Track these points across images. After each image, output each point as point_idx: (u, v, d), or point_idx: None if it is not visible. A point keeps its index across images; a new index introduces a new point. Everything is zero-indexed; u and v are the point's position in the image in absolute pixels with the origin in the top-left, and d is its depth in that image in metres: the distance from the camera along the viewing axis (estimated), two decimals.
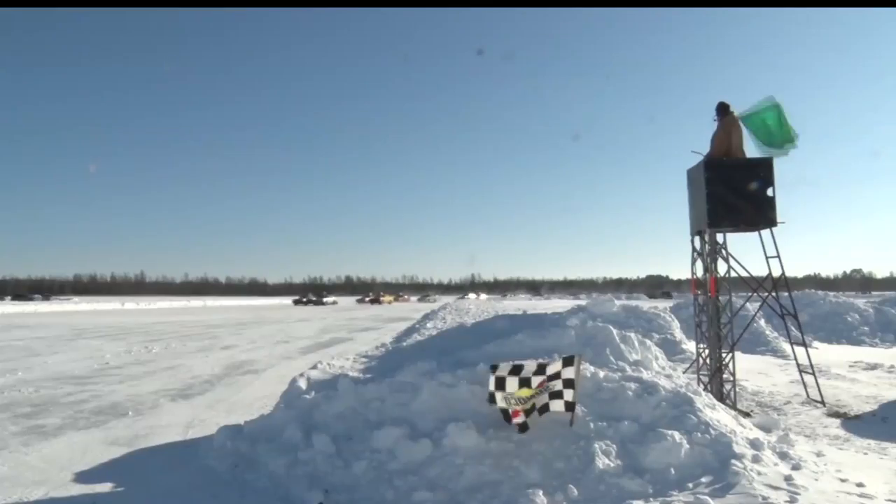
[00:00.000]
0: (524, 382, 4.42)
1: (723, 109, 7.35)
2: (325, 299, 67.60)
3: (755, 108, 7.27)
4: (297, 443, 4.88)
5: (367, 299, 71.80)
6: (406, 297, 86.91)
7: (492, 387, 4.46)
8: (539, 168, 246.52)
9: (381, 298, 71.11)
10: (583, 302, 13.54)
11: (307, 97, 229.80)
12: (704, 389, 6.23)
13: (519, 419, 4.40)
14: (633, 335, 6.30)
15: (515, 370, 4.49)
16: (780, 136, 7.11)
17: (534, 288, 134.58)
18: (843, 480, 3.97)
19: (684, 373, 7.82)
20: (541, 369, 4.46)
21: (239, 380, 10.05)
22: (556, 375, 4.38)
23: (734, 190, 7.03)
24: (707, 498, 3.49)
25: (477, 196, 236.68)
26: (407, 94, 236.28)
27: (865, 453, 5.07)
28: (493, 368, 4.55)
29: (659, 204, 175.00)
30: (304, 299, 67.92)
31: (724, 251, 7.32)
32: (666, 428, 4.25)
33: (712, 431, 4.28)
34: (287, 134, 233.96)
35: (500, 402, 4.43)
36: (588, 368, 5.01)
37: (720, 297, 7.36)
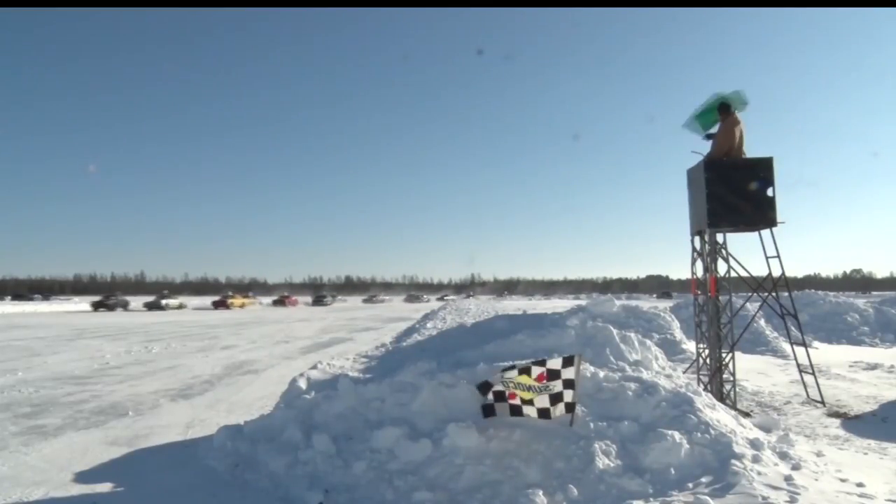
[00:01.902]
0: (524, 371, 4.42)
1: (725, 109, 7.35)
2: (164, 301, 47.41)
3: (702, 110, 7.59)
4: (297, 443, 4.88)
5: (214, 301, 51.84)
6: (293, 298, 64.01)
7: (491, 398, 4.45)
8: (539, 168, 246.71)
9: (230, 301, 50.87)
10: (583, 302, 13.54)
11: (307, 97, 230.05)
12: (704, 389, 6.22)
13: (515, 401, 4.39)
14: (633, 335, 6.29)
15: (511, 367, 4.50)
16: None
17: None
18: (843, 480, 3.97)
19: (684, 373, 7.82)
20: (540, 363, 4.47)
21: (239, 380, 10.05)
22: (557, 374, 4.38)
23: (734, 190, 7.02)
24: (707, 498, 3.49)
25: (477, 196, 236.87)
26: (407, 94, 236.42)
27: (865, 453, 5.07)
28: (484, 387, 4.53)
29: (659, 204, 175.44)
30: (111, 301, 46.32)
31: (724, 251, 7.32)
32: (666, 428, 4.24)
33: (712, 431, 4.28)
34: (287, 134, 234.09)
35: (498, 385, 4.43)
36: (588, 368, 5.00)
37: (720, 297, 7.36)
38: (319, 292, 75.15)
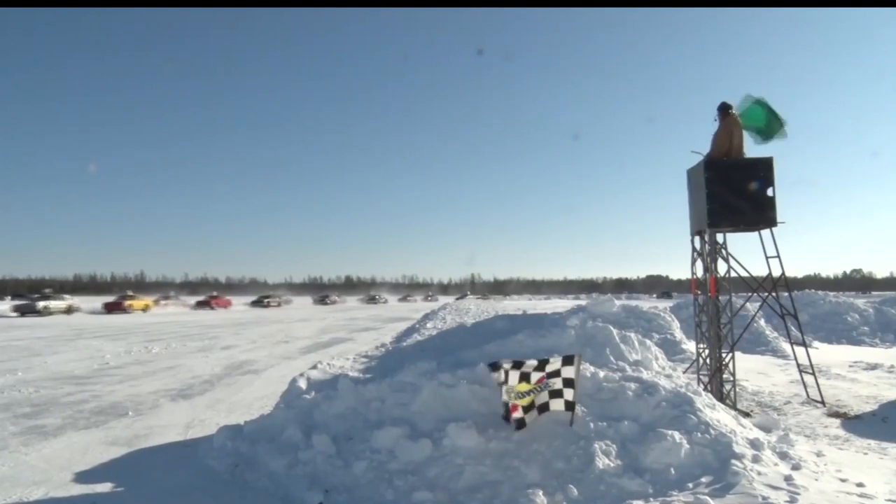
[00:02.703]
0: (524, 377, 4.42)
1: (724, 109, 7.36)
2: (43, 303, 35.18)
3: (742, 108, 7.46)
4: (297, 443, 4.88)
5: (106, 304, 39.91)
6: (224, 299, 51.60)
7: (502, 378, 4.46)
8: (539, 168, 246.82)
9: (127, 303, 39.17)
10: (583, 302, 13.54)
11: (307, 97, 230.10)
12: (704, 389, 6.22)
13: (517, 414, 4.39)
14: (633, 335, 6.30)
15: (517, 365, 4.49)
16: (771, 127, 7.37)
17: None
18: (843, 480, 3.97)
19: (684, 373, 7.82)
20: (541, 366, 4.47)
21: (239, 380, 10.05)
22: (556, 373, 4.39)
23: (734, 190, 7.03)
24: (707, 498, 3.49)
25: (477, 196, 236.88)
26: (407, 93, 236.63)
27: (865, 453, 5.07)
28: (494, 366, 4.55)
29: (659, 204, 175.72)
30: None
31: (724, 251, 7.33)
32: (666, 428, 4.25)
33: (712, 431, 4.28)
34: (287, 134, 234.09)
35: (504, 395, 4.44)
36: (588, 368, 5.01)
37: (720, 297, 7.36)
38: (263, 293, 62.31)
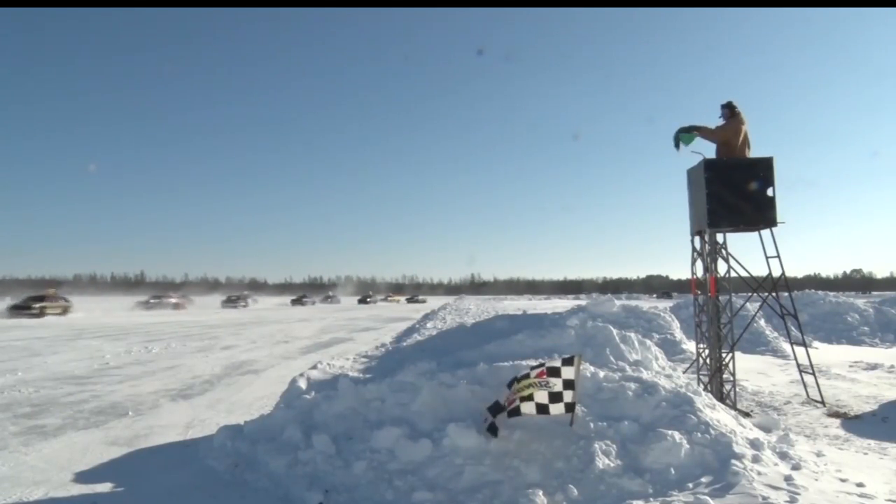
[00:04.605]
0: (523, 378, 4.39)
1: (730, 109, 7.35)
2: None
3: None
4: (297, 443, 4.88)
5: None
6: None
7: (501, 401, 4.42)
8: (539, 168, 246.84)
9: None
10: (583, 302, 13.54)
11: (307, 97, 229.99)
12: (704, 389, 6.22)
13: (513, 405, 4.35)
14: (633, 335, 6.30)
15: (513, 380, 4.45)
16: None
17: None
18: (843, 480, 3.97)
19: (684, 373, 7.82)
20: (538, 366, 4.46)
21: (239, 380, 10.05)
22: (556, 372, 4.36)
23: (734, 190, 7.03)
24: (707, 498, 3.49)
25: (477, 196, 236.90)
26: (407, 94, 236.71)
27: (865, 453, 5.07)
28: (496, 408, 4.43)
29: (659, 204, 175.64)
30: None
31: (724, 251, 7.32)
32: (666, 428, 4.24)
33: (712, 431, 4.28)
34: (287, 134, 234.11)
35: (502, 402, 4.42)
36: (588, 368, 5.00)
37: (720, 297, 7.36)
38: (35, 293, 37.13)
